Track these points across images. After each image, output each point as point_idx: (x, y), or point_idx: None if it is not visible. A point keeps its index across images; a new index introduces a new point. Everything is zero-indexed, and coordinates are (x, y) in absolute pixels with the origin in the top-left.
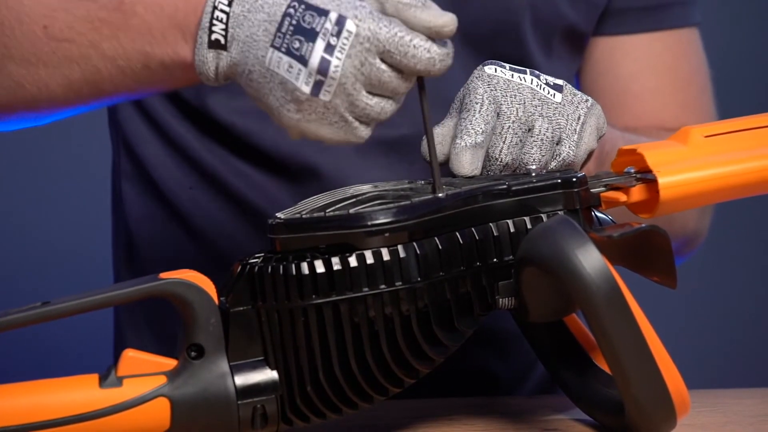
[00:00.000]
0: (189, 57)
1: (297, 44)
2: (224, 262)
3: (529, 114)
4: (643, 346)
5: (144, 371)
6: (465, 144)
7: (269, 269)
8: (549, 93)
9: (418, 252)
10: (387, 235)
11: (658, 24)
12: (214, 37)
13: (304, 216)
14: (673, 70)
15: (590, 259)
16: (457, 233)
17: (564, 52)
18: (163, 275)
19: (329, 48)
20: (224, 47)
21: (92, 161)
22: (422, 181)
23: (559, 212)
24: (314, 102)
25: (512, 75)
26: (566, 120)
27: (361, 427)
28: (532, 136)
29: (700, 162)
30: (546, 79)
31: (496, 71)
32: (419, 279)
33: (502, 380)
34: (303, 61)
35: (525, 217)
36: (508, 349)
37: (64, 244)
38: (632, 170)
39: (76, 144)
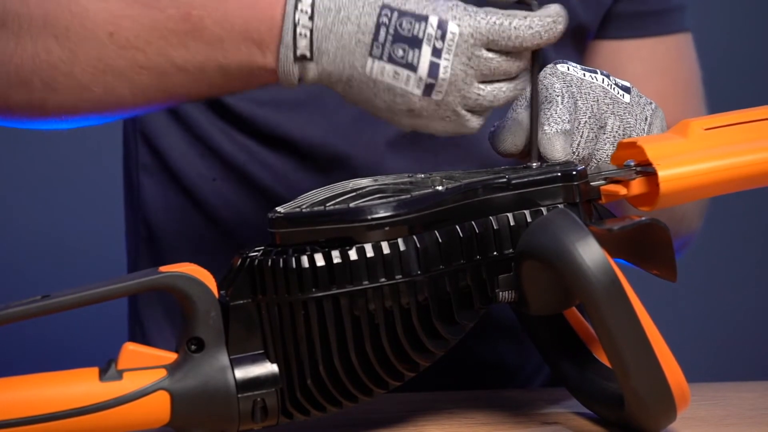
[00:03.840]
0: (270, 64)
1: (401, 52)
2: None
3: (602, 112)
4: (643, 338)
5: (144, 365)
6: (556, 130)
7: (269, 262)
8: (619, 93)
9: (418, 245)
10: (387, 228)
11: (661, 28)
12: (299, 52)
13: (304, 210)
14: (674, 71)
15: (590, 252)
16: (457, 227)
17: (569, 50)
18: (163, 268)
19: (436, 52)
20: (311, 59)
21: (101, 154)
22: (422, 175)
23: (558, 205)
24: (426, 102)
25: (584, 74)
26: (635, 120)
27: (361, 421)
28: (604, 133)
29: (700, 154)
30: (615, 80)
31: (569, 69)
32: (419, 272)
33: (521, 373)
34: (411, 67)
35: (525, 211)
36: (527, 341)
37: (72, 238)
38: (632, 163)
39: (85, 137)
